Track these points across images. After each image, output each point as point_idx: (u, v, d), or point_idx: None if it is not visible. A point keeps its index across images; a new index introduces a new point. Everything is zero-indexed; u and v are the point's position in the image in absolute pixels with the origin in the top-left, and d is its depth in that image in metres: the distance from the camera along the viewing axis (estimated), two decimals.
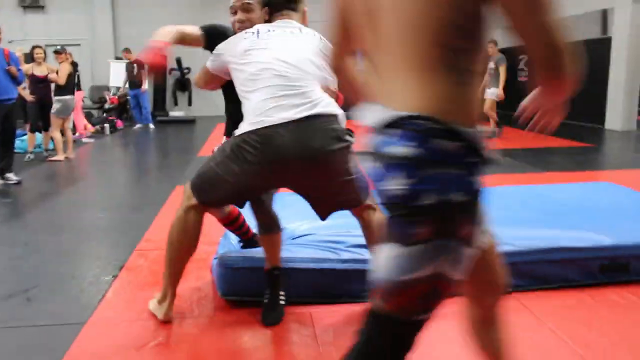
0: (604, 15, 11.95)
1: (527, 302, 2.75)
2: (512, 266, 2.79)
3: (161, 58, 2.42)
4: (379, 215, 2.46)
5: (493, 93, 9.39)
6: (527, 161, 7.24)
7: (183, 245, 2.54)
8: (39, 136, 8.33)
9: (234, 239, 3.18)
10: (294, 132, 2.19)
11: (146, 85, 11.96)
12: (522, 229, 3.16)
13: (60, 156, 7.87)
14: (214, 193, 2.44)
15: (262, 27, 2.46)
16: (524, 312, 2.67)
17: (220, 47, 2.51)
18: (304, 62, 2.33)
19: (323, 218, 2.52)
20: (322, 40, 2.43)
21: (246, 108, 2.32)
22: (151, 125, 12.07)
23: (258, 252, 2.82)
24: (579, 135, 10.00)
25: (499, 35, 15.27)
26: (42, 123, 8.12)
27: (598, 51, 11.65)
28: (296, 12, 2.55)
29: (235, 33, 2.56)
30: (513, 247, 2.87)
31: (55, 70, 7.98)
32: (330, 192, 2.41)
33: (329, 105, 2.29)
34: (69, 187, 6.21)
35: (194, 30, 2.68)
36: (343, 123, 2.31)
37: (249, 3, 2.58)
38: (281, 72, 2.27)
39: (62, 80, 7.95)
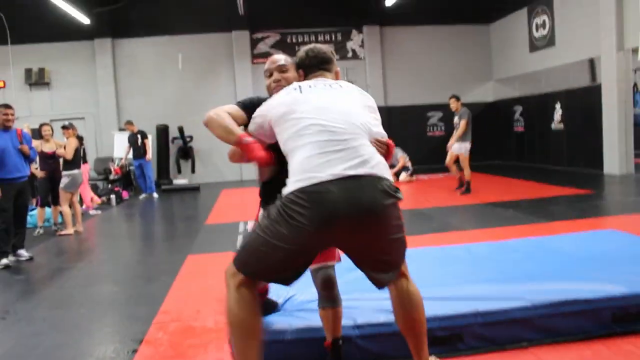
0: (592, 64, 12.34)
1: (544, 356, 2.79)
2: (527, 321, 2.89)
3: (264, 151, 2.40)
4: (413, 288, 2.45)
5: (461, 147, 9.41)
6: (530, 212, 7.34)
7: (250, 327, 2.25)
8: (48, 210, 8.45)
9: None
10: (343, 188, 2.11)
11: (150, 155, 12.18)
12: (533, 283, 3.24)
13: (69, 230, 7.97)
14: (264, 263, 2.22)
15: (302, 83, 2.46)
16: None
17: (262, 108, 2.46)
18: (350, 115, 2.30)
19: (378, 286, 2.37)
20: (364, 94, 2.49)
21: (292, 166, 2.22)
22: (155, 195, 12.22)
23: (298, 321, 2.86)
24: (578, 182, 10.15)
25: (462, 89, 15.79)
26: (51, 198, 8.29)
27: (590, 98, 11.96)
28: (330, 72, 2.61)
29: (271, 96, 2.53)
30: (526, 302, 2.94)
31: (63, 146, 8.19)
32: (378, 250, 2.29)
33: (379, 165, 2.23)
34: (81, 261, 6.27)
35: (235, 109, 2.61)
36: (390, 177, 2.27)
37: (284, 64, 2.66)
38: (328, 127, 2.22)
39: (69, 155, 8.14)
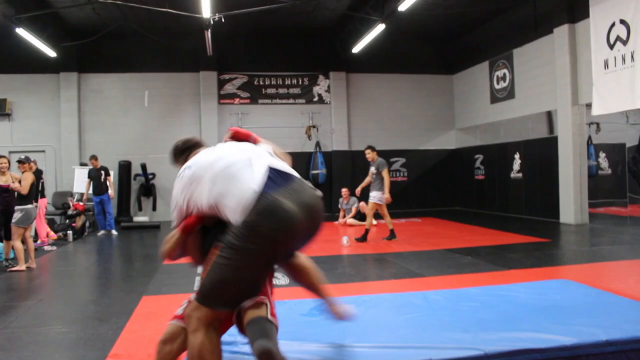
0: (549, 116, 12.81)
1: None
2: None
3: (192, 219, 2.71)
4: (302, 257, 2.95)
5: (375, 197, 9.58)
6: (488, 259, 7.44)
7: None
8: (0, 245, 8.20)
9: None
10: (287, 194, 2.41)
11: (112, 191, 11.98)
12: (487, 332, 3.27)
13: (21, 266, 7.71)
14: (235, 288, 2.41)
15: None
16: None
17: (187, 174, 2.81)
18: (253, 150, 2.73)
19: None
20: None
21: (230, 205, 2.43)
22: (114, 232, 11.96)
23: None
24: (535, 230, 10.39)
25: (425, 136, 16.18)
26: (4, 232, 8.03)
27: (547, 149, 12.36)
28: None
29: None
30: (479, 351, 2.95)
31: (18, 179, 8.00)
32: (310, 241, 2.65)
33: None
34: (30, 299, 6.01)
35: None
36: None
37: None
38: (243, 164, 2.57)
39: (25, 190, 7.94)
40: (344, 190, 12.72)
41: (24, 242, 7.99)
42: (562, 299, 4.09)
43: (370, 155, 9.68)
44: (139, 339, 4.19)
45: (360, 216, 12.43)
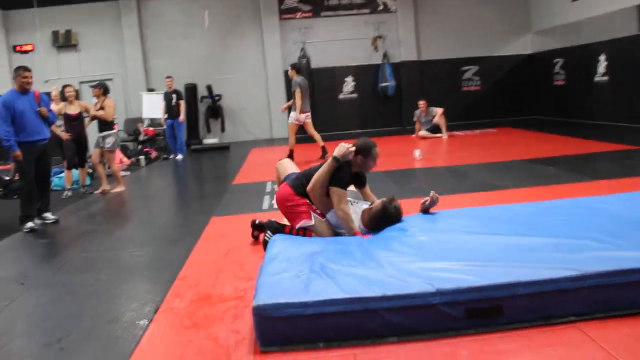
0: None
1: (593, 332, 2.50)
2: (575, 292, 2.60)
3: None
4: None
5: (291, 117, 9.75)
6: (573, 169, 6.90)
7: None
8: (75, 173, 8.39)
9: (271, 273, 2.98)
10: None
11: (184, 116, 11.97)
12: (581, 250, 2.92)
13: (121, 187, 8.06)
14: None
15: None
16: (589, 346, 2.42)
17: None
18: None
19: None
20: None
21: None
22: (180, 156, 12.01)
23: (295, 294, 2.63)
24: (624, 138, 9.58)
25: (498, 42, 14.98)
26: (78, 160, 8.21)
27: (638, 48, 11.22)
28: None
29: None
30: (574, 271, 2.63)
31: (85, 107, 8.07)
32: None
33: None
34: (107, 224, 6.15)
35: None
36: None
37: None
38: None
39: (110, 116, 8.02)
40: (422, 103, 12.14)
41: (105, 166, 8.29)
42: None
43: (290, 73, 9.78)
44: (207, 261, 4.13)
45: (435, 128, 11.93)
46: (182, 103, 11.99)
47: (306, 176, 4.11)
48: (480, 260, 2.87)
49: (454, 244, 3.22)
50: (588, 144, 9.21)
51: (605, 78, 12.51)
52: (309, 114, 9.81)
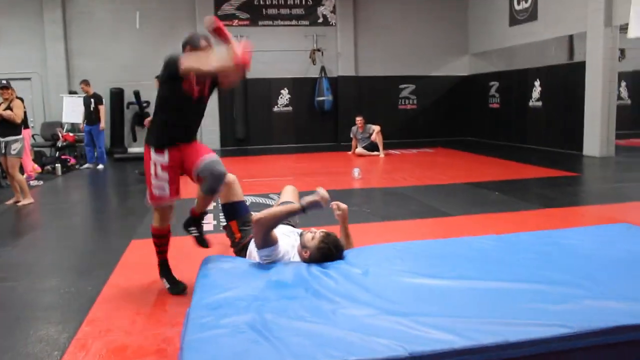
0: (571, 40, 11.79)
1: None
2: (568, 354, 2.19)
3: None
4: None
5: None
6: (518, 195, 6.69)
7: None
8: None
9: (201, 326, 2.43)
10: None
11: (103, 123, 11.06)
12: (567, 300, 2.53)
13: (29, 198, 7.27)
14: None
15: None
16: None
17: None
18: None
19: None
20: None
21: None
22: (100, 166, 11.12)
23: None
24: (559, 163, 9.61)
25: (437, 61, 15.07)
26: None
27: (572, 76, 11.42)
28: None
29: None
30: (567, 328, 2.22)
31: None
32: None
33: None
34: (3, 246, 5.22)
35: None
36: None
37: None
38: None
39: (19, 118, 7.19)
40: (359, 119, 11.81)
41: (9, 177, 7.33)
42: (636, 251, 3.34)
43: (155, 84, 9.39)
44: (122, 298, 3.48)
45: (372, 146, 11.62)
46: (102, 108, 11.10)
47: None
48: (455, 312, 2.42)
49: (418, 290, 2.76)
50: (527, 169, 9.15)
51: (539, 103, 12.68)
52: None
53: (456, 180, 8.04)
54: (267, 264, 3.21)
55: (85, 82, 11.18)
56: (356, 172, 8.42)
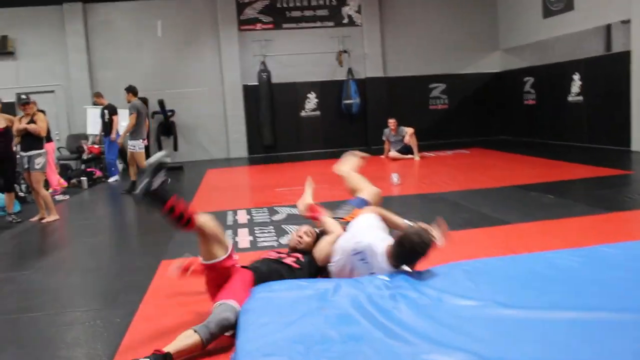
0: (608, 30, 11.18)
1: None
2: None
3: None
4: None
5: (131, 145, 8.95)
6: (575, 198, 6.18)
7: None
8: (1, 197, 7.19)
9: None
10: None
11: (114, 134, 10.72)
12: None
13: (54, 215, 6.95)
14: None
15: None
16: None
17: None
18: None
19: None
20: None
21: None
22: (111, 179, 10.70)
23: None
24: (608, 161, 8.98)
25: (466, 59, 14.47)
26: (4, 182, 7.00)
27: (615, 67, 10.78)
28: None
29: None
30: None
31: (10, 120, 6.93)
32: None
33: None
34: (26, 268, 4.78)
35: None
36: None
37: None
38: None
39: (44, 130, 6.98)
40: (391, 121, 11.34)
41: (33, 192, 7.06)
42: None
43: (127, 97, 9.10)
44: (156, 327, 3.06)
45: (406, 149, 11.13)
46: (115, 119, 10.79)
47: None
48: (562, 354, 1.96)
49: (508, 324, 2.31)
50: (575, 168, 8.56)
51: (580, 98, 12.04)
52: (145, 143, 8.95)
53: (502, 183, 7.51)
54: (319, 291, 2.78)
55: (98, 95, 10.94)
56: (395, 177, 7.94)
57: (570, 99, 12.33)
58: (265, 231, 5.34)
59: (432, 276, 2.92)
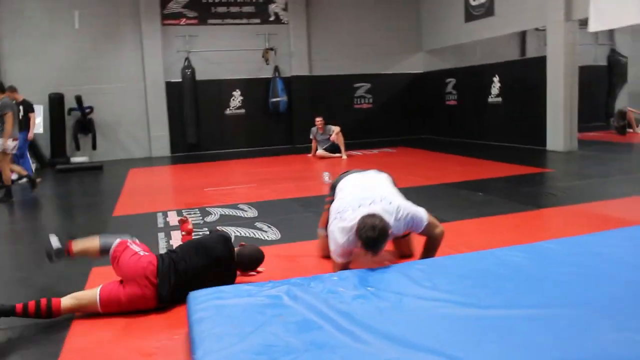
0: (523, 36, 11.73)
1: None
2: None
3: None
4: None
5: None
6: (504, 195, 6.36)
7: None
8: None
9: None
10: None
11: (32, 134, 10.00)
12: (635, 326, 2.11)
13: None
14: None
15: None
16: None
17: None
18: None
19: None
20: None
21: None
22: (21, 181, 9.29)
23: None
24: (528, 160, 9.40)
25: (390, 59, 14.81)
26: None
27: (532, 71, 11.32)
28: None
29: None
30: None
31: None
32: None
33: None
34: None
35: None
36: None
37: None
38: None
39: None
40: (318, 120, 11.32)
41: None
42: None
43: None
44: (91, 350, 2.83)
45: (333, 148, 11.16)
46: (32, 116, 10.11)
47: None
48: (533, 355, 1.96)
49: (470, 324, 2.29)
50: (499, 166, 8.89)
51: (499, 99, 12.55)
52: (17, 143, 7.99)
53: (431, 181, 7.67)
54: (271, 297, 2.67)
55: (12, 89, 10.07)
56: (326, 176, 7.92)
57: (490, 100, 12.82)
58: (200, 233, 5.13)
59: (387, 276, 2.88)
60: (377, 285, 2.74)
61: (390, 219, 3.15)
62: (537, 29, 11.69)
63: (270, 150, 13.31)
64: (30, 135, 9.94)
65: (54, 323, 3.17)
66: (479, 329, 2.25)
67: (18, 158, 10.05)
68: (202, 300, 2.62)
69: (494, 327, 2.26)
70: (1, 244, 5.66)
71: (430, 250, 3.52)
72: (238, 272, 3.40)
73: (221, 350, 2.10)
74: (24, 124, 9.83)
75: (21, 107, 9.91)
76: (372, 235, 2.95)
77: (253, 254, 3.41)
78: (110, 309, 3.12)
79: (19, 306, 3.05)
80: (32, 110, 10.09)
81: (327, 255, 3.73)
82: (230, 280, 3.27)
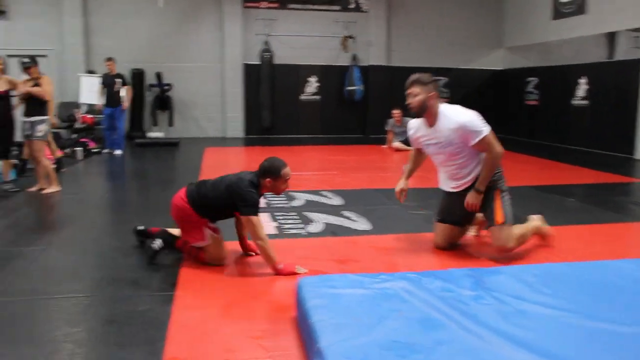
0: (612, 37, 11.13)
1: None
2: None
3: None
4: None
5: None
6: (596, 203, 6.04)
7: None
8: None
9: None
10: None
11: (128, 103, 10.42)
12: None
13: (56, 186, 6.58)
14: None
15: None
16: None
17: None
18: None
19: None
20: None
21: None
22: (117, 152, 10.34)
23: None
24: (616, 167, 8.91)
25: (469, 54, 14.32)
26: (1, 148, 6.62)
27: (625, 74, 10.71)
28: None
29: None
30: None
31: (13, 84, 6.50)
32: None
33: None
34: (31, 242, 4.43)
35: None
36: None
37: None
38: None
39: (49, 94, 6.58)
40: (396, 112, 11.13)
41: (33, 161, 6.68)
42: None
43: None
44: (198, 327, 2.81)
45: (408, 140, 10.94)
46: (129, 89, 10.48)
47: (202, 186, 3.87)
48: None
49: (601, 340, 2.12)
50: (585, 172, 8.49)
51: (585, 102, 11.97)
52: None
53: (517, 182, 7.34)
54: (381, 288, 2.57)
55: (111, 61, 10.47)
56: (407, 169, 7.72)
57: (574, 102, 12.26)
58: (289, 218, 5.10)
59: (502, 279, 2.74)
60: (494, 288, 2.60)
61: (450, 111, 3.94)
62: (635, 29, 11.05)
63: (343, 138, 13.22)
64: (125, 105, 10.47)
65: (156, 296, 3.19)
66: (614, 347, 2.08)
67: (109, 132, 10.40)
68: (315, 287, 2.55)
69: (628, 347, 2.08)
70: (87, 210, 5.79)
71: (482, 169, 3.83)
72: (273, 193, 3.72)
73: (344, 341, 2.02)
74: (118, 98, 10.17)
75: (117, 80, 10.31)
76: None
77: (269, 160, 3.68)
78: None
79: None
80: (128, 84, 10.60)
81: (440, 246, 3.92)
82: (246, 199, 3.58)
